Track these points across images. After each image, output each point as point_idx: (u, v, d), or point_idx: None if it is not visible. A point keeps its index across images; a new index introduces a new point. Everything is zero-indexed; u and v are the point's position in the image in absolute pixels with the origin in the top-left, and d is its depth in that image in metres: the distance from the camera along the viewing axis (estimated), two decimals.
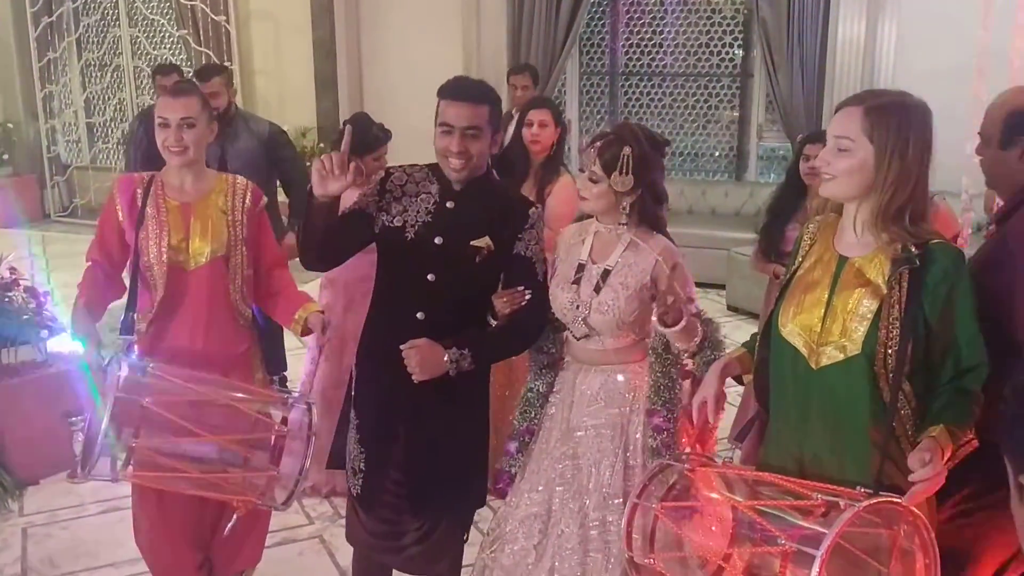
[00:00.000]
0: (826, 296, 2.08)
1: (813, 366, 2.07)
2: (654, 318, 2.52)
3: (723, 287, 7.03)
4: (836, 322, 2.04)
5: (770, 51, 7.26)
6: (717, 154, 8.49)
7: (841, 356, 2.03)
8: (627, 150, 2.51)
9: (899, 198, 1.98)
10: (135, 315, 2.87)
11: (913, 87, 2.10)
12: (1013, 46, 4.60)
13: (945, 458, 1.91)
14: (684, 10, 8.19)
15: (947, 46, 6.29)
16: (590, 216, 2.68)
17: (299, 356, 4.64)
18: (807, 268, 2.16)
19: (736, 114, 8.29)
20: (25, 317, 4.27)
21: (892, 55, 6.79)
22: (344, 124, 4.09)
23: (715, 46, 8.18)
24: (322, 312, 2.94)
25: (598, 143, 2.54)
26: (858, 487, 1.90)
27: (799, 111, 7.25)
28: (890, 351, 1.97)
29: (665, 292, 2.38)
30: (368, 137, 4.06)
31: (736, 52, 8.21)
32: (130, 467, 2.54)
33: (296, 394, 2.78)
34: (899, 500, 1.87)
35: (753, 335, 2.36)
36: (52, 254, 8.54)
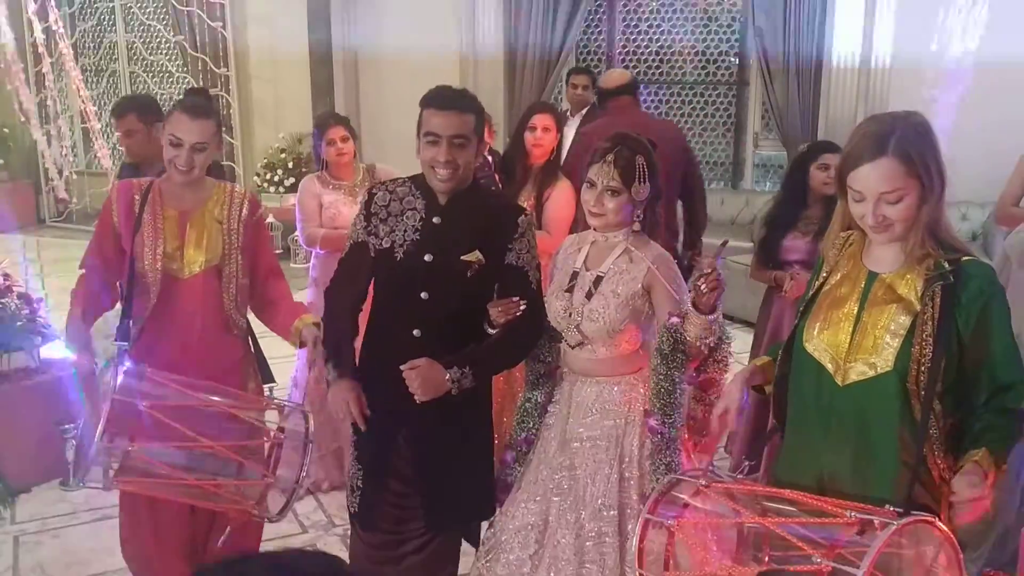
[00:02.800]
0: (855, 311, 2.06)
1: (840, 382, 2.05)
2: (668, 320, 2.50)
3: None
4: (866, 338, 2.02)
5: (766, 59, 7.27)
6: (713, 162, 8.49)
7: (871, 373, 2.01)
8: (640, 159, 2.51)
9: (937, 211, 2.00)
10: (131, 321, 2.86)
11: (908, 97, 2.10)
12: None
13: (990, 481, 1.89)
14: (681, 18, 8.21)
15: (942, 56, 6.31)
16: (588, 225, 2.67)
17: (288, 362, 4.63)
18: (833, 284, 2.14)
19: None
20: (19, 324, 4.25)
21: (888, 64, 6.80)
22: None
23: (711, 54, 8.19)
24: (317, 325, 2.92)
25: (609, 156, 2.51)
26: (887, 506, 1.87)
27: (795, 120, 7.25)
28: (923, 368, 1.95)
29: (705, 274, 2.34)
30: (319, 123, 4.24)
31: (732, 60, 8.22)
32: (118, 473, 2.52)
33: (292, 403, 2.76)
34: (934, 519, 1.85)
35: (774, 346, 2.35)
36: (46, 260, 8.53)
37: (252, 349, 3.05)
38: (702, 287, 2.33)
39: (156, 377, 2.57)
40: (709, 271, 2.32)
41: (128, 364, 2.61)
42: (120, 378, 2.48)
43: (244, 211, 2.93)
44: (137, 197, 2.88)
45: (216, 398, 2.61)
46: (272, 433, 2.64)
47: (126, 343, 2.79)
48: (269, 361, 3.17)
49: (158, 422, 2.47)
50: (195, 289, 2.87)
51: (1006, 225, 4.12)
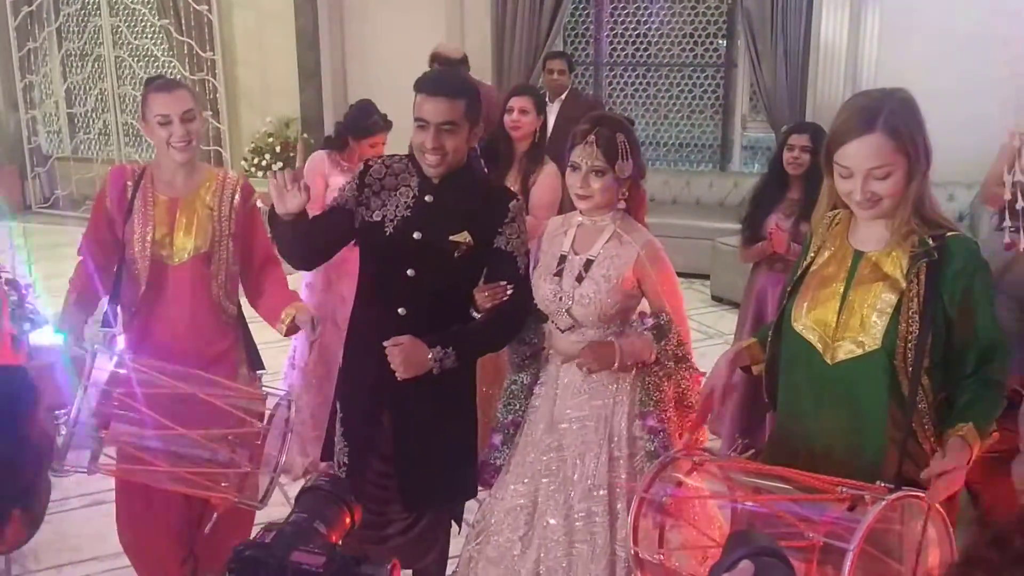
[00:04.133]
0: (842, 290, 2.07)
1: (828, 361, 2.07)
2: (634, 317, 2.54)
3: (707, 277, 7.05)
4: (853, 316, 2.04)
5: (754, 41, 7.27)
6: (701, 144, 8.50)
7: (859, 351, 2.02)
8: (620, 136, 2.51)
9: (922, 188, 2.01)
10: (119, 308, 2.85)
11: (896, 78, 2.11)
12: None
13: (973, 455, 1.92)
14: (668, 0, 8.19)
15: (929, 36, 6.32)
16: (573, 208, 2.68)
17: (278, 348, 4.62)
18: (821, 263, 2.15)
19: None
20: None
21: (875, 46, 6.81)
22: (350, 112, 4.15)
23: (699, 36, 8.18)
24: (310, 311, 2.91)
25: (590, 137, 2.51)
26: (878, 482, 1.88)
27: (783, 101, 7.26)
28: (910, 345, 1.97)
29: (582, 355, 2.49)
30: (367, 122, 4.19)
31: (720, 42, 8.21)
32: (102, 459, 2.51)
33: (280, 391, 2.74)
34: (923, 495, 1.87)
35: (764, 327, 2.37)
36: (33, 246, 8.47)
37: (244, 336, 3.04)
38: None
39: (138, 364, 2.56)
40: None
41: (111, 350, 2.60)
42: (101, 363, 2.47)
43: (236, 198, 2.91)
44: (129, 183, 2.87)
45: (199, 386, 2.58)
46: (254, 423, 2.62)
47: (112, 328, 2.78)
48: (263, 345, 3.16)
49: (137, 410, 2.46)
50: (184, 276, 2.86)
51: (992, 205, 4.14)
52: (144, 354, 2.71)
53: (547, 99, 6.00)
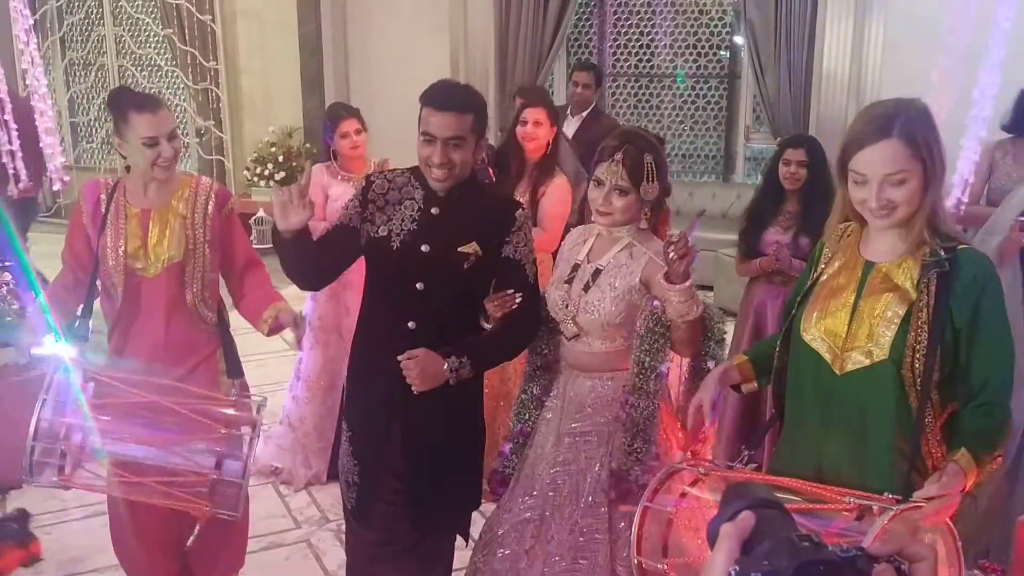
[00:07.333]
0: (852, 301, 2.06)
1: (837, 372, 2.05)
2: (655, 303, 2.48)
3: (711, 288, 7.02)
4: (863, 327, 2.02)
5: (757, 52, 7.27)
6: (704, 155, 8.49)
7: (867, 362, 2.01)
8: (648, 158, 2.48)
9: (936, 199, 1.99)
10: (90, 321, 2.83)
11: (900, 89, 2.10)
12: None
13: (968, 482, 1.88)
14: (672, 11, 8.20)
15: (934, 48, 6.30)
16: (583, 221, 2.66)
17: (282, 358, 4.61)
18: (831, 274, 2.14)
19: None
20: (8, 319, 4.22)
21: (879, 57, 6.81)
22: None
23: (702, 47, 8.18)
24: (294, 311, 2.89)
25: (617, 155, 2.48)
26: (885, 493, 1.85)
27: (786, 112, 7.26)
28: (918, 356, 1.95)
29: (672, 242, 2.29)
30: (330, 119, 4.19)
31: (723, 53, 8.22)
32: (67, 472, 2.49)
33: (259, 398, 2.69)
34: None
35: (754, 344, 2.35)
36: (36, 255, 8.45)
37: (225, 344, 2.99)
38: (671, 254, 2.30)
39: (105, 376, 2.53)
40: (677, 239, 2.29)
41: (79, 362, 2.57)
42: (62, 377, 2.46)
43: (211, 205, 2.87)
44: (103, 196, 2.85)
45: (167, 397, 2.53)
46: (221, 431, 2.56)
47: (83, 341, 2.76)
48: (268, 356, 3.14)
49: (101, 422, 2.44)
50: (159, 287, 2.83)
51: (967, 224, 4.06)
52: (126, 367, 2.68)
53: (568, 112, 5.76)
